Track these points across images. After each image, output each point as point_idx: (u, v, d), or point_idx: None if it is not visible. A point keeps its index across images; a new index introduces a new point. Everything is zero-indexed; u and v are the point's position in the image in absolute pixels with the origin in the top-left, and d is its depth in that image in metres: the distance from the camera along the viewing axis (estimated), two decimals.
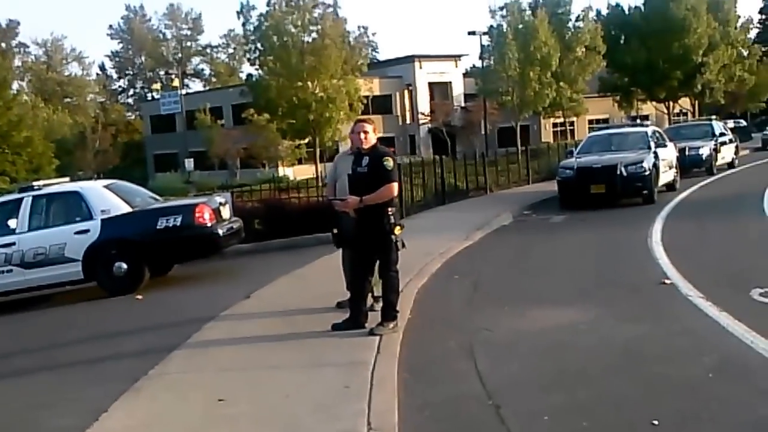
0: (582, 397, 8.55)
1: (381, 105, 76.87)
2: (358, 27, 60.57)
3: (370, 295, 12.34)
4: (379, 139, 11.95)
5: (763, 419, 7.66)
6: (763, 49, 79.95)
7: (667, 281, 13.93)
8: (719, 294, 12.38)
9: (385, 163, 11.37)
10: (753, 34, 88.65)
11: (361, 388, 9.06)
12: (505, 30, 59.49)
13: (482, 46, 62.37)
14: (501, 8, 60.68)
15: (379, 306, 12.03)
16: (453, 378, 9.66)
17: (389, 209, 11.41)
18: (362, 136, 11.57)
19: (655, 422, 7.61)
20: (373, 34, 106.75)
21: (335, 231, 12.69)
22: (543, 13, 59.65)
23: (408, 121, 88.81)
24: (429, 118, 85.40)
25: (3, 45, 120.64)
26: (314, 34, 54.26)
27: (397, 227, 11.48)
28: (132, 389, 9.85)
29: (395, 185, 11.53)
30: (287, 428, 8.08)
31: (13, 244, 17.97)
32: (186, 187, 50.84)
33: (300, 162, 70.34)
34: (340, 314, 12.17)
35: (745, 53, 75.15)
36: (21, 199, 18.48)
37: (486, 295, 14.72)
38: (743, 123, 72.34)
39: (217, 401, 9.04)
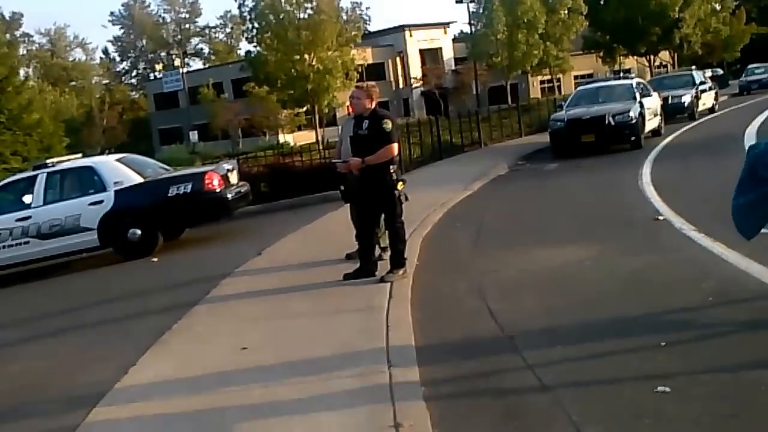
0: (592, 326, 8.51)
1: (375, 72, 76.47)
2: (351, 2, 60.36)
3: (378, 245, 12.34)
4: (378, 103, 11.94)
5: (762, 337, 7.65)
6: (734, 2, 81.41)
7: (660, 217, 13.89)
8: (711, 227, 12.16)
9: (384, 125, 11.38)
10: None
11: (378, 330, 9.03)
12: None
13: (470, 13, 62.41)
14: None
15: (387, 255, 12.04)
16: (465, 316, 9.61)
17: (391, 167, 11.44)
18: (353, 101, 11.74)
19: (663, 344, 7.60)
20: (367, 8, 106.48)
21: (342, 188, 12.96)
22: None
23: (401, 86, 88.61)
24: (421, 82, 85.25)
25: (8, 36, 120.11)
26: (309, 11, 54.09)
27: (400, 182, 11.55)
28: (159, 342, 9.87)
29: (395, 146, 11.54)
30: (312, 369, 7.99)
31: (29, 217, 18.12)
32: (191, 157, 50.78)
33: (299, 129, 70.34)
34: (350, 265, 12.17)
35: (719, 7, 75.80)
36: (36, 176, 18.69)
37: (490, 239, 14.70)
38: (720, 72, 72.35)
39: (241, 350, 9.01)
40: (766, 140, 8.76)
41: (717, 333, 7.86)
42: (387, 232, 11.96)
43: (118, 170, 18.58)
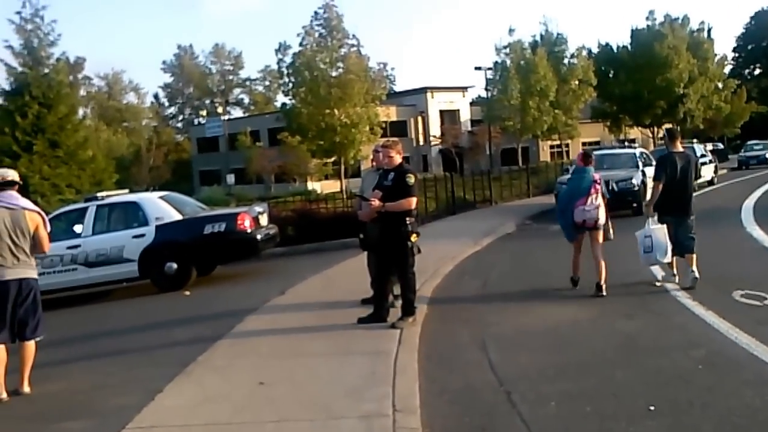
0: (585, 386, 8.39)
1: (397, 129, 76.78)
2: (378, 63, 60.83)
3: (391, 293, 12.27)
4: (403, 158, 12.05)
5: (749, 406, 7.45)
6: (736, 82, 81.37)
7: (657, 283, 13.72)
8: (705, 295, 12.15)
9: (407, 179, 11.48)
10: (728, 69, 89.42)
11: (385, 375, 8.95)
12: (508, 65, 60.08)
13: (487, 79, 62.76)
14: (505, 47, 61.44)
15: (399, 303, 11.96)
16: (467, 367, 9.51)
17: (407, 219, 11.44)
18: (386, 159, 11.77)
19: (652, 408, 7.47)
20: (392, 69, 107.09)
21: (361, 236, 12.94)
22: (542, 51, 60.11)
23: (421, 143, 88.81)
24: (440, 140, 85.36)
25: (71, 78, 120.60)
26: (340, 69, 54.45)
27: (414, 235, 11.52)
28: (183, 373, 9.80)
29: (414, 199, 11.59)
30: (322, 409, 7.94)
31: (79, 246, 18.18)
32: (227, 198, 50.89)
33: (326, 178, 70.38)
34: (364, 309, 12.14)
35: (721, 86, 75.72)
36: (86, 207, 18.79)
37: (494, 293, 14.55)
38: (721, 146, 72.17)
39: (258, 384, 8.94)
40: (564, 187, 12.61)
41: (706, 401, 7.65)
42: (399, 281, 11.88)
43: (160, 207, 18.70)
